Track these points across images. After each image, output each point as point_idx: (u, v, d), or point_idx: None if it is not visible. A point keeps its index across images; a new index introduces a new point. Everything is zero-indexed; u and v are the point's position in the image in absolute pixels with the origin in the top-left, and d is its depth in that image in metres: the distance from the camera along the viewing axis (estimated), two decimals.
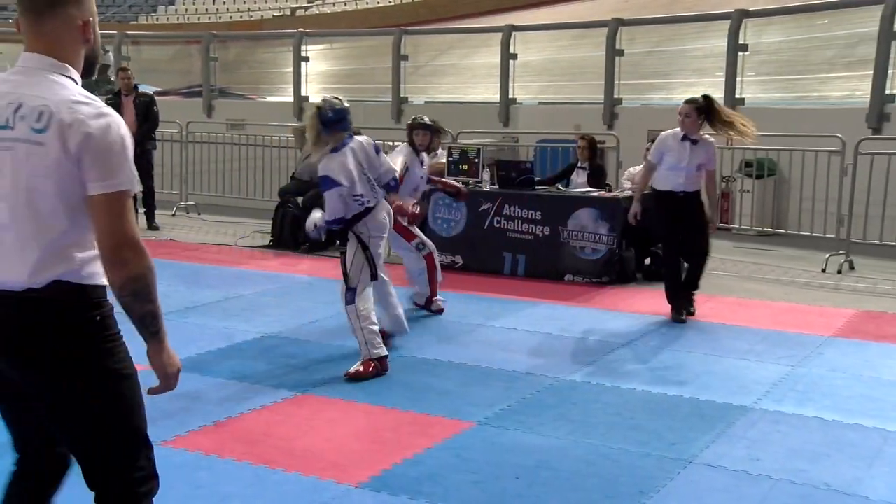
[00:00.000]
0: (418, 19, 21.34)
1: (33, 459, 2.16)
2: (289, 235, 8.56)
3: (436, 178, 6.57)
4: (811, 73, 11.70)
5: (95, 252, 2.00)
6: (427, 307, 6.00)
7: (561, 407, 4.22)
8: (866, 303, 6.47)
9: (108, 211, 1.94)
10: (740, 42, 9.70)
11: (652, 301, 6.31)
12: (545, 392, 4.44)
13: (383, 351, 4.66)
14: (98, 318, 2.00)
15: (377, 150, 4.80)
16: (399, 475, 3.42)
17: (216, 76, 13.52)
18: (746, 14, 9.83)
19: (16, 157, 1.93)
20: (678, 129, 5.78)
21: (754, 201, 8.99)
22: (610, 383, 4.57)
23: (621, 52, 10.49)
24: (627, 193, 7.44)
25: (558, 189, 7.78)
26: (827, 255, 7.61)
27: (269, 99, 15.08)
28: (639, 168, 7.83)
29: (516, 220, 7.43)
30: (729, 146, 8.25)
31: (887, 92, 8.73)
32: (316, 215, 4.82)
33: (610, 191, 7.69)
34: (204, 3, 28.41)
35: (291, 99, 12.72)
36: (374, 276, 4.75)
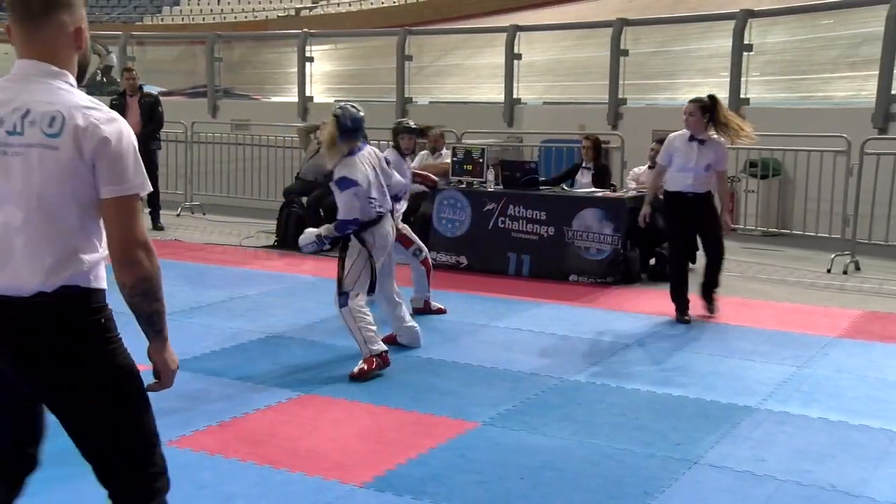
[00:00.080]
0: (423, 19, 21.35)
1: (2, 460, 2.16)
2: (293, 236, 8.53)
3: (416, 171, 6.61)
4: (816, 73, 11.68)
5: (100, 255, 2.03)
6: (427, 309, 6.00)
7: (565, 407, 4.22)
8: (872, 303, 6.46)
9: (120, 214, 1.98)
10: (745, 42, 9.68)
11: (657, 301, 6.30)
12: (550, 392, 4.44)
13: (382, 347, 4.70)
14: (102, 320, 2.03)
15: (388, 162, 5.04)
16: (403, 475, 3.42)
17: (221, 76, 13.54)
18: (751, 14, 9.81)
19: (28, 161, 1.94)
20: (686, 129, 5.78)
21: (759, 201, 8.98)
22: (614, 384, 4.57)
23: (626, 52, 10.48)
24: (632, 194, 7.44)
25: (563, 189, 7.77)
26: (832, 256, 7.59)
27: (274, 99, 15.10)
28: (643, 168, 7.85)
29: (521, 221, 7.43)
30: (733, 146, 8.24)
31: (893, 92, 8.70)
32: (312, 230, 4.85)
33: (614, 191, 7.68)
34: (209, 4, 28.45)
35: (296, 99, 12.73)
36: (373, 290, 4.77)
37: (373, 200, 4.69)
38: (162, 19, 27.93)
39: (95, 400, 2.03)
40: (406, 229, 6.05)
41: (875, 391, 4.52)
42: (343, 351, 5.06)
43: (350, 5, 25.84)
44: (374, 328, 4.69)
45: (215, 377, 4.58)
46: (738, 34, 9.67)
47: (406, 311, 5.18)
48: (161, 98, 10.03)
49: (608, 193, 7.47)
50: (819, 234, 8.23)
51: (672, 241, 6.14)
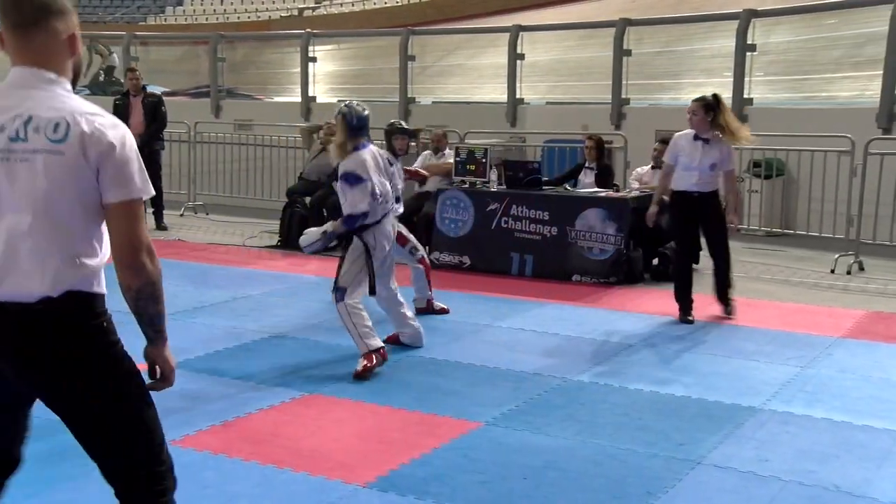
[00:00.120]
0: (425, 20, 21.37)
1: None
2: (297, 236, 8.53)
3: (405, 168, 6.64)
4: (820, 73, 11.66)
5: (102, 260, 2.06)
6: (430, 309, 6.00)
7: (568, 407, 4.22)
8: (876, 303, 6.44)
9: (126, 218, 2.01)
10: (748, 42, 9.67)
11: (660, 301, 6.29)
12: (553, 392, 4.43)
13: (378, 343, 4.73)
14: (104, 323, 2.06)
15: (391, 163, 5.10)
16: (406, 475, 3.42)
17: (224, 77, 13.56)
18: (755, 14, 9.79)
19: (33, 167, 1.96)
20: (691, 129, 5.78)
21: (763, 202, 8.97)
22: (618, 384, 4.56)
23: (629, 52, 10.47)
24: (635, 194, 7.43)
25: (566, 189, 7.77)
26: (836, 256, 7.58)
27: (277, 99, 15.12)
28: (646, 168, 7.85)
29: (524, 221, 7.42)
30: (738, 146, 8.23)
31: None
32: (315, 229, 4.85)
33: (617, 191, 7.67)
34: (212, 4, 28.50)
35: (299, 99, 12.74)
36: (373, 291, 4.79)
37: (378, 198, 4.72)
38: (165, 19, 27.97)
39: (96, 400, 2.04)
40: (401, 227, 6.06)
41: (879, 391, 4.51)
42: (346, 351, 5.05)
43: (353, 5, 25.86)
44: (369, 324, 4.73)
45: (218, 377, 4.58)
46: (742, 34, 9.66)
47: (408, 311, 5.18)
48: (164, 98, 10.03)
49: (611, 193, 7.46)
50: (823, 235, 8.21)
51: (677, 241, 6.13)
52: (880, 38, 9.05)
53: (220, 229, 9.68)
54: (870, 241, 7.78)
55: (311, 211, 8.59)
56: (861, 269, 7.52)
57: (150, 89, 9.84)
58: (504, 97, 11.34)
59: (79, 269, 2.00)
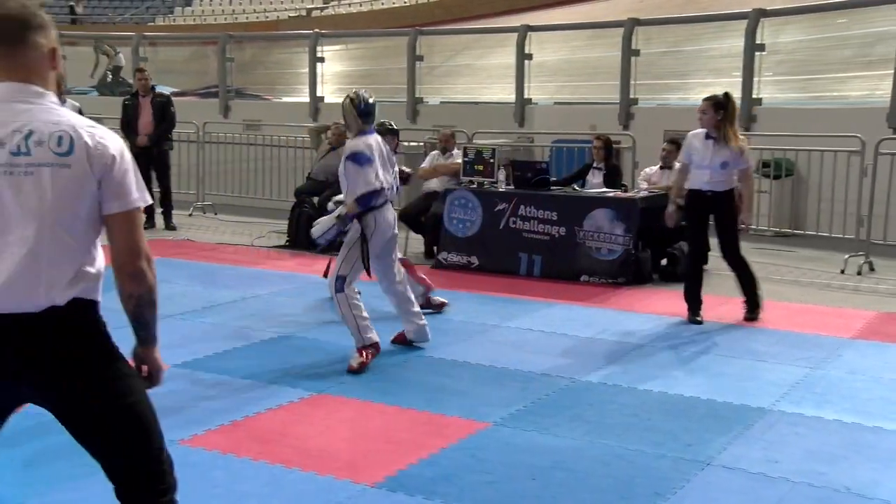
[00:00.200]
0: (433, 20, 21.38)
1: None
2: (305, 235, 8.58)
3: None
4: (829, 72, 11.62)
5: (101, 269, 2.11)
6: (429, 305, 5.97)
7: (577, 408, 4.21)
8: (886, 304, 6.41)
9: (127, 227, 2.08)
10: (757, 42, 9.62)
11: (668, 302, 6.28)
12: (561, 393, 4.43)
13: (375, 336, 4.77)
14: (102, 326, 2.12)
15: (392, 154, 5.14)
16: (415, 475, 3.42)
17: (232, 77, 13.58)
18: (764, 13, 9.75)
19: (40, 180, 2.00)
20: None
21: (772, 202, 8.93)
22: (626, 384, 4.56)
23: (637, 52, 10.44)
24: (644, 194, 7.41)
25: (574, 189, 7.76)
26: (846, 256, 7.54)
27: (285, 99, 15.14)
28: (655, 168, 7.83)
29: (532, 221, 7.42)
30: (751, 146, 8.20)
31: None
32: (326, 218, 4.88)
33: (626, 191, 7.65)
34: (220, 4, 28.57)
35: (307, 99, 12.76)
36: (368, 272, 4.86)
37: (382, 182, 4.79)
38: (174, 20, 28.06)
39: (97, 399, 2.08)
40: None
41: (890, 393, 4.49)
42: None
43: (361, 6, 25.89)
44: (367, 317, 4.78)
45: (227, 376, 4.59)
46: (751, 34, 9.62)
47: (416, 306, 5.17)
48: (173, 98, 10.07)
49: (619, 194, 7.45)
50: (833, 235, 8.17)
51: (689, 240, 6.13)
52: (891, 37, 9.02)
53: (228, 229, 9.70)
54: (880, 242, 7.74)
55: (319, 211, 8.60)
56: (871, 269, 7.48)
57: (158, 89, 9.87)
58: (512, 97, 11.33)
59: (83, 278, 2.05)
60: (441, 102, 12.83)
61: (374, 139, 4.88)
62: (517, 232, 7.45)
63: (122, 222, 2.07)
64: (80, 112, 9.52)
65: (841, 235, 8.06)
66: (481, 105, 12.67)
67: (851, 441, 3.83)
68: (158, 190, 9.56)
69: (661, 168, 7.73)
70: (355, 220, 4.80)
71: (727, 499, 3.28)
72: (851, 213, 7.91)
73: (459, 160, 8.10)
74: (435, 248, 8.00)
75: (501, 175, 7.83)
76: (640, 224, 7.05)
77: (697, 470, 3.50)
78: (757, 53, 9.61)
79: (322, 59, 12.77)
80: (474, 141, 9.33)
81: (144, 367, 2.21)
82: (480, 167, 7.83)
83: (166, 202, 9.57)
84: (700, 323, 5.79)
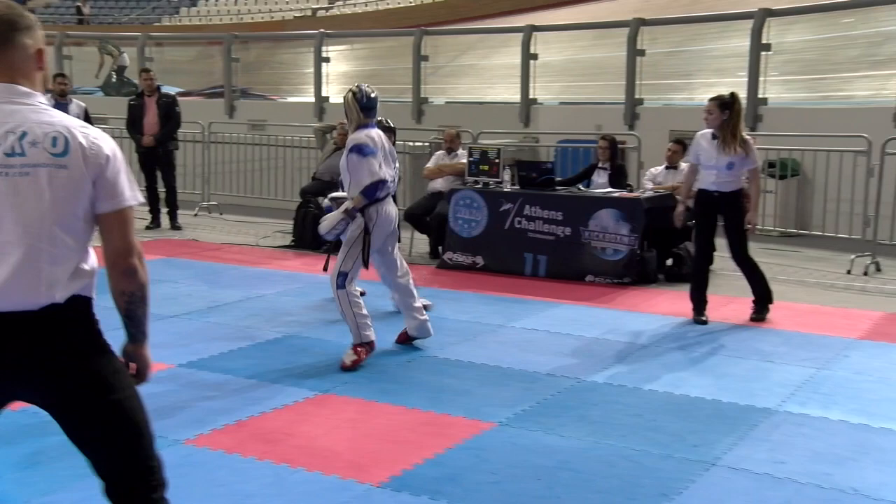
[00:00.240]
0: (438, 20, 21.37)
1: None
2: (310, 235, 8.59)
3: None
4: (836, 72, 11.58)
5: (94, 266, 2.14)
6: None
7: (582, 408, 4.20)
8: (893, 305, 6.38)
9: (121, 225, 2.11)
10: (763, 41, 9.61)
11: (673, 302, 6.26)
12: (566, 393, 4.42)
13: (372, 336, 4.80)
14: (97, 324, 2.14)
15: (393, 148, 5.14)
16: (420, 475, 3.42)
17: (238, 77, 13.61)
18: (770, 13, 9.73)
19: (36, 181, 2.02)
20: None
21: (777, 202, 8.91)
22: (631, 384, 4.54)
23: (642, 52, 10.43)
24: (649, 194, 7.40)
25: (579, 189, 7.75)
26: (852, 257, 7.52)
27: (290, 99, 15.17)
28: (660, 168, 7.82)
29: (537, 221, 7.41)
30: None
31: None
32: (333, 214, 4.86)
33: (631, 191, 7.64)
34: (226, 5, 28.63)
35: (312, 99, 12.77)
36: (366, 264, 4.88)
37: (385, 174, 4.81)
38: (179, 20, 28.12)
39: (92, 394, 2.09)
40: None
41: None
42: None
43: (366, 6, 25.90)
44: (367, 315, 4.81)
45: (231, 376, 4.60)
46: (756, 34, 9.60)
47: (418, 301, 5.16)
48: (178, 98, 10.09)
49: (624, 194, 7.44)
50: (839, 235, 8.15)
51: (695, 240, 6.13)
52: None
53: (233, 229, 9.71)
54: (887, 242, 7.71)
55: (322, 211, 8.60)
56: (878, 269, 7.45)
57: (164, 90, 9.89)
58: (517, 97, 11.33)
59: (81, 276, 2.08)
60: (446, 102, 12.83)
61: (376, 132, 4.90)
62: (522, 232, 7.44)
63: (115, 221, 2.10)
64: (87, 112, 9.55)
65: (847, 236, 8.03)
66: (486, 105, 12.66)
67: (858, 442, 3.82)
68: (164, 190, 9.58)
69: (667, 168, 7.72)
70: (358, 215, 4.81)
71: (733, 499, 3.27)
72: (858, 213, 7.88)
73: (464, 160, 8.09)
74: (440, 248, 8.00)
75: (506, 175, 7.82)
76: (645, 224, 7.04)
77: (703, 470, 3.49)
78: (763, 53, 9.59)
79: (327, 59, 12.78)
80: (479, 141, 9.33)
81: (133, 365, 2.23)
82: (485, 167, 7.82)
83: (172, 202, 9.58)
84: (705, 323, 5.78)
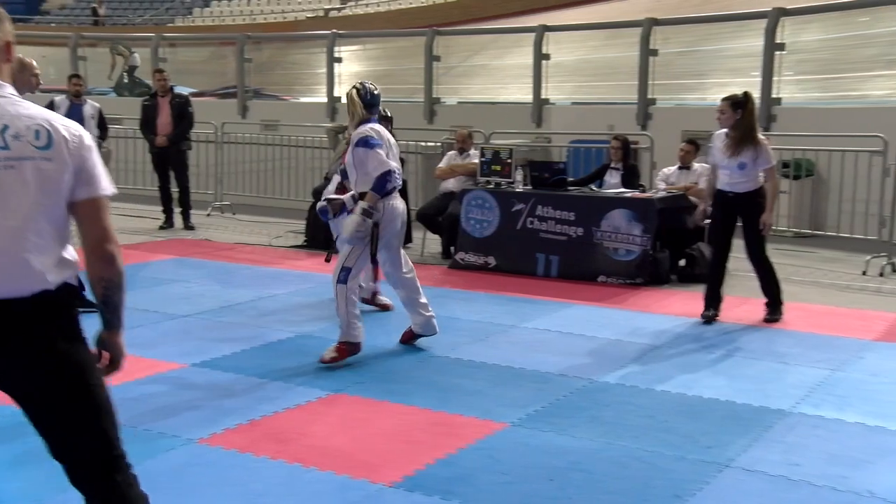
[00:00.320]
0: (450, 20, 21.37)
1: None
2: (322, 235, 8.60)
3: None
4: (851, 71, 11.50)
5: (75, 257, 2.19)
6: (372, 301, 6.03)
7: (594, 409, 4.19)
8: None
9: (99, 213, 2.17)
10: (777, 41, 9.55)
11: (686, 303, 6.23)
12: (578, 394, 4.41)
13: (360, 338, 4.81)
14: (76, 313, 2.20)
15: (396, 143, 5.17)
16: (432, 475, 3.42)
17: (250, 77, 13.65)
18: (784, 12, 9.67)
19: (22, 174, 2.07)
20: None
21: (791, 202, 8.85)
22: (644, 385, 4.53)
23: (655, 52, 10.39)
24: (662, 194, 7.37)
25: (591, 190, 7.73)
26: (868, 258, 7.46)
27: (303, 100, 15.20)
28: (673, 169, 7.78)
29: (549, 221, 7.39)
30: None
31: None
32: (353, 218, 4.80)
33: (643, 192, 7.61)
34: (238, 5, 28.74)
35: (325, 100, 12.79)
36: (374, 259, 4.89)
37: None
38: (193, 21, 28.25)
39: (67, 379, 2.14)
40: None
41: None
42: (371, 350, 5.07)
43: (378, 6, 25.95)
44: (360, 316, 4.82)
45: (244, 376, 4.61)
46: (770, 33, 9.54)
47: (423, 298, 5.14)
48: (191, 98, 10.12)
49: (637, 194, 7.41)
50: (854, 236, 8.09)
51: (711, 240, 6.12)
52: None
53: (246, 229, 9.74)
54: None
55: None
56: (894, 270, 7.39)
57: (177, 90, 9.93)
58: (529, 97, 11.31)
59: (67, 265, 2.15)
60: (458, 103, 12.82)
61: (380, 127, 4.93)
62: (534, 232, 7.43)
63: (93, 208, 2.16)
64: (101, 113, 9.62)
65: (863, 236, 7.97)
66: (498, 105, 12.65)
67: (874, 444, 3.79)
68: (177, 190, 9.62)
69: (680, 168, 7.68)
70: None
71: (747, 502, 3.25)
72: (873, 213, 7.82)
73: (476, 160, 8.09)
74: (452, 248, 8.00)
75: (519, 175, 7.80)
76: (657, 224, 7.01)
77: (716, 472, 3.47)
78: (777, 53, 9.53)
79: (339, 60, 12.80)
80: (491, 141, 9.32)
81: (106, 354, 2.26)
82: (498, 167, 7.81)
83: (184, 202, 9.62)
84: (710, 318, 5.75)
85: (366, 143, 4.76)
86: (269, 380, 4.56)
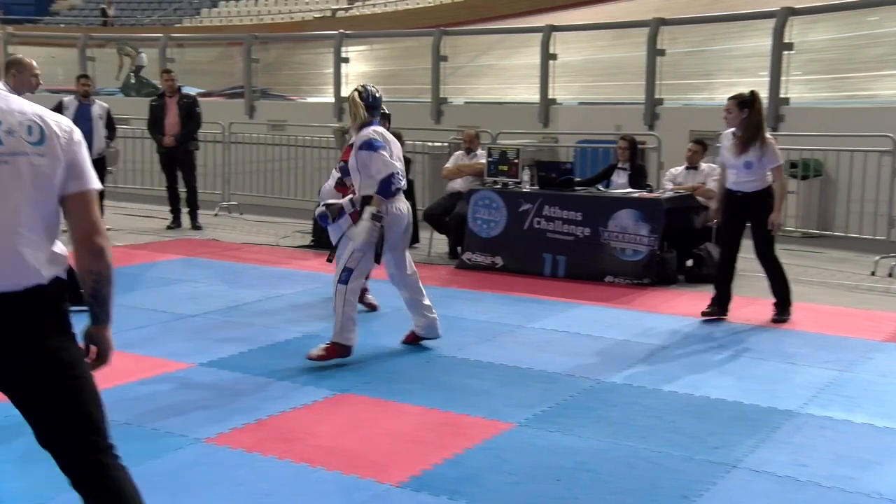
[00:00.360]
0: (457, 20, 21.36)
1: None
2: (329, 235, 8.61)
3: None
4: (860, 71, 11.46)
5: (65, 252, 2.22)
6: (361, 300, 5.93)
7: (601, 409, 4.18)
8: None
9: (88, 206, 2.20)
10: (786, 40, 9.51)
11: (693, 303, 6.22)
12: (585, 394, 4.40)
13: (352, 342, 4.80)
14: (66, 307, 2.23)
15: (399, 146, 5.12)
16: (439, 476, 3.42)
17: (258, 77, 13.68)
18: (793, 12, 9.64)
19: (17, 169, 2.10)
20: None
21: (799, 202, 8.82)
22: (651, 386, 4.52)
23: (662, 52, 10.37)
24: (669, 195, 7.36)
25: (598, 190, 7.72)
26: (876, 258, 7.43)
27: (310, 100, 15.23)
28: (680, 169, 7.77)
29: (556, 221, 7.39)
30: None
31: None
32: (362, 225, 4.74)
33: (651, 192, 7.60)
34: (246, 6, 28.79)
35: (332, 100, 12.81)
36: (378, 260, 4.87)
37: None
38: (200, 21, 28.32)
39: (57, 371, 2.16)
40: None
41: None
42: (379, 350, 5.08)
43: (385, 6, 25.96)
44: (355, 320, 4.80)
45: (252, 375, 4.62)
46: (779, 32, 9.51)
47: (426, 300, 5.14)
48: (199, 99, 10.15)
49: (644, 194, 7.40)
50: (863, 236, 8.06)
51: (720, 240, 6.12)
52: None
53: (253, 229, 9.77)
54: None
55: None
56: None
57: (185, 90, 9.95)
58: (536, 97, 11.30)
59: (57, 260, 2.18)
60: (465, 103, 12.83)
61: (382, 129, 4.93)
62: (541, 232, 7.42)
63: (83, 201, 2.19)
64: (110, 113, 9.60)
65: (871, 237, 7.94)
66: (506, 105, 12.65)
67: (883, 445, 3.77)
68: (184, 190, 9.64)
69: (687, 168, 7.67)
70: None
71: (755, 502, 3.24)
72: (882, 213, 7.79)
73: (483, 160, 8.09)
74: (459, 248, 8.00)
75: (526, 175, 7.80)
76: (665, 225, 7.00)
77: (724, 473, 3.47)
78: (785, 52, 9.49)
79: (346, 60, 12.81)
80: (498, 141, 9.32)
81: (93, 348, 2.27)
82: (505, 167, 7.81)
83: (192, 202, 9.64)
84: (708, 314, 5.76)
85: (370, 145, 4.75)
86: (276, 379, 4.57)
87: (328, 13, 26.07)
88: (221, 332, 5.45)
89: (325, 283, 7.02)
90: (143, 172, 11.44)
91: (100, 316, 2.25)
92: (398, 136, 6.96)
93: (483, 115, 11.15)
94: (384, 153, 4.75)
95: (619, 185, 7.81)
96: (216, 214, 10.57)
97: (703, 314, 5.81)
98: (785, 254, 7.92)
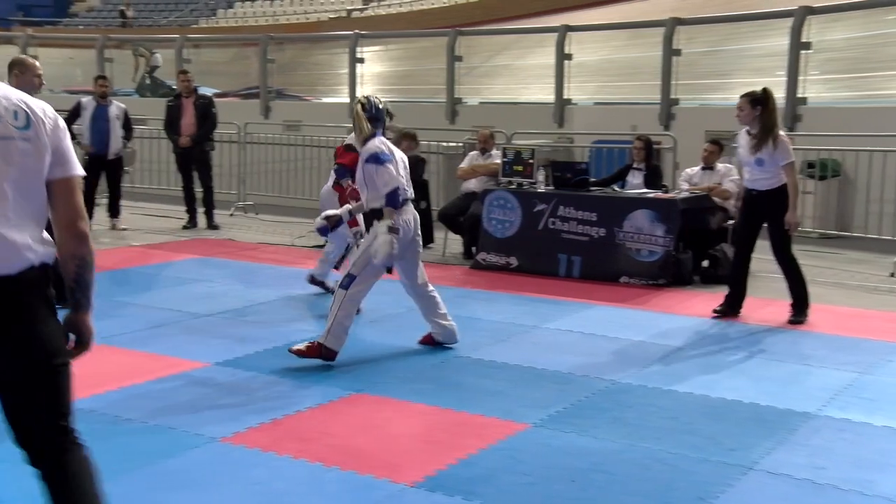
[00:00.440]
0: (472, 20, 21.36)
1: None
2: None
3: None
4: (879, 70, 11.35)
5: (49, 237, 2.24)
6: (323, 286, 6.27)
7: (616, 410, 4.17)
8: None
9: (72, 191, 2.23)
10: (803, 40, 9.44)
11: (709, 304, 6.18)
12: (600, 395, 4.39)
13: (338, 348, 4.77)
14: (51, 290, 2.25)
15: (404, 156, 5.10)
16: (453, 476, 3.42)
17: (273, 78, 13.73)
18: (810, 11, 9.57)
19: (6, 153, 2.13)
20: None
21: (816, 203, 8.76)
22: (666, 387, 4.50)
23: (678, 52, 10.32)
24: (685, 195, 7.32)
25: (614, 190, 7.69)
26: None
27: (325, 100, 15.27)
28: (696, 169, 7.73)
29: (571, 222, 7.36)
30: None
31: None
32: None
33: (666, 192, 7.56)
34: (261, 6, 28.93)
35: (347, 100, 12.84)
36: (389, 269, 4.86)
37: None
38: (217, 22, 28.49)
39: (45, 354, 2.19)
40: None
41: None
42: (393, 350, 5.08)
43: (400, 7, 26.01)
44: (347, 327, 4.78)
45: (267, 375, 4.63)
46: (796, 32, 9.44)
47: (442, 307, 5.13)
48: (215, 99, 10.20)
49: (660, 195, 7.36)
50: (882, 237, 7.98)
51: (735, 239, 6.09)
52: None
53: (269, 229, 9.80)
54: None
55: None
56: None
57: (201, 91, 10.00)
58: (551, 97, 11.28)
59: (46, 244, 2.20)
60: (480, 103, 12.82)
61: (386, 141, 4.89)
62: (556, 233, 7.40)
63: (66, 187, 2.21)
64: (127, 114, 9.66)
65: (891, 237, 7.87)
66: (520, 105, 12.64)
67: None
68: (200, 190, 9.70)
69: (703, 168, 7.62)
70: (375, 223, 4.79)
71: None
72: None
73: (498, 161, 8.08)
74: (473, 248, 7.99)
75: (541, 175, 7.78)
76: (680, 225, 6.96)
77: (740, 475, 3.44)
78: (803, 52, 9.43)
79: (362, 60, 12.84)
80: (513, 141, 9.31)
81: (73, 337, 2.29)
82: (520, 168, 7.80)
83: (208, 202, 9.69)
84: (720, 313, 5.74)
85: (376, 159, 4.72)
86: (291, 379, 4.58)
87: (343, 14, 26.14)
88: (237, 332, 5.47)
89: None
90: (159, 172, 11.51)
91: (81, 302, 2.26)
92: (413, 137, 7.00)
93: (498, 115, 11.14)
94: (390, 166, 4.73)
95: (635, 185, 7.77)
96: (232, 214, 10.61)
97: (715, 312, 5.80)
98: (802, 255, 7.85)
